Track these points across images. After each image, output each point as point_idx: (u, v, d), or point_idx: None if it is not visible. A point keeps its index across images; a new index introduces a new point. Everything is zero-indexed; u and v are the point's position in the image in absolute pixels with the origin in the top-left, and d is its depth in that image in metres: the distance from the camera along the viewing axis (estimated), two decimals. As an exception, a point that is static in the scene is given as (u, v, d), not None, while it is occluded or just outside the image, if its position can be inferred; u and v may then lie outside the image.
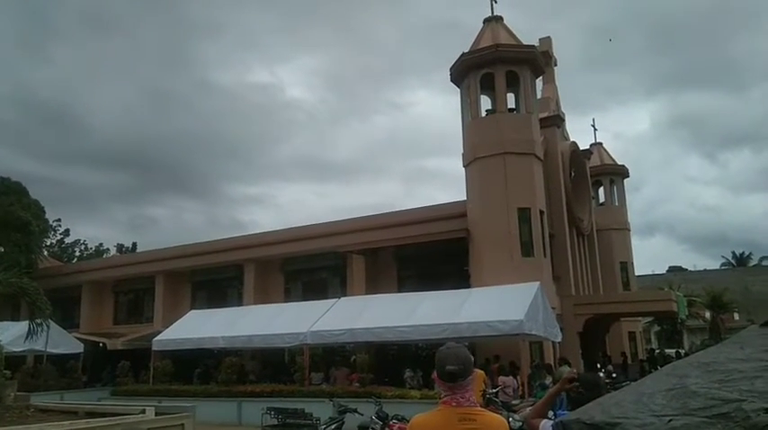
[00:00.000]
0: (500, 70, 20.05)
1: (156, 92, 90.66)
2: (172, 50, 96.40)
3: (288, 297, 24.27)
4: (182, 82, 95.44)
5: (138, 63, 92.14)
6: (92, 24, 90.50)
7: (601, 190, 30.85)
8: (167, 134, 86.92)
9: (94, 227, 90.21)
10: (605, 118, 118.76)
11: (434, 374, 2.80)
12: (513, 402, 12.89)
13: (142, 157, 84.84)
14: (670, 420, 1.64)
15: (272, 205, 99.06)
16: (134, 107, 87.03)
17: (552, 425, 2.33)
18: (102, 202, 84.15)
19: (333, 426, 9.85)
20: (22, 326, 15.72)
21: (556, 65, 27.03)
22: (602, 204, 30.53)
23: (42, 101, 78.30)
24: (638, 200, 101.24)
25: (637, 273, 31.56)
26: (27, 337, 13.48)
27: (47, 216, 38.02)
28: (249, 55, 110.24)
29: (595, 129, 31.82)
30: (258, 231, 27.38)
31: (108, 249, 51.97)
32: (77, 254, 49.78)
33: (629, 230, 30.54)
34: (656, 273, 54.04)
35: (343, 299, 19.48)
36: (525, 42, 21.19)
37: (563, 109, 26.55)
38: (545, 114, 22.97)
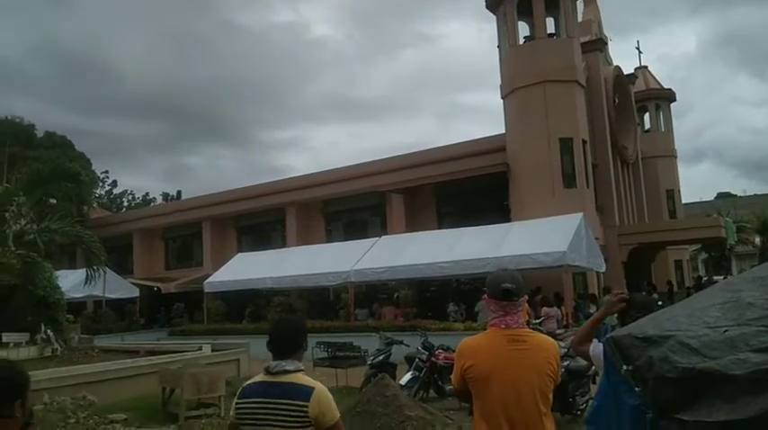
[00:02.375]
0: (538, -8, 19.14)
1: (181, 36, 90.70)
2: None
3: (329, 238, 24.65)
4: (205, 25, 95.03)
5: (161, 8, 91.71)
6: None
7: (646, 116, 29.69)
8: (195, 80, 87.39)
9: (134, 177, 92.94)
10: (648, 40, 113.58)
11: (484, 297, 2.79)
12: (558, 332, 12.99)
13: (173, 105, 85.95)
14: (725, 330, 1.61)
15: (306, 148, 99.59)
16: (161, 54, 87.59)
17: (603, 342, 2.33)
18: (138, 152, 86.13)
19: (380, 358, 10.15)
20: (80, 273, 16.45)
21: (598, -16, 25.63)
22: (647, 131, 29.47)
23: (72, 52, 79.46)
24: (685, 125, 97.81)
25: (684, 201, 30.76)
26: (86, 283, 14.11)
27: (93, 168, 39.29)
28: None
29: (640, 52, 30.26)
30: (296, 175, 27.67)
31: (154, 198, 53.54)
32: (125, 203, 51.45)
33: (676, 157, 29.55)
34: (705, 200, 52.59)
35: (383, 237, 19.67)
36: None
37: (605, 32, 25.32)
38: (586, 38, 21.94)
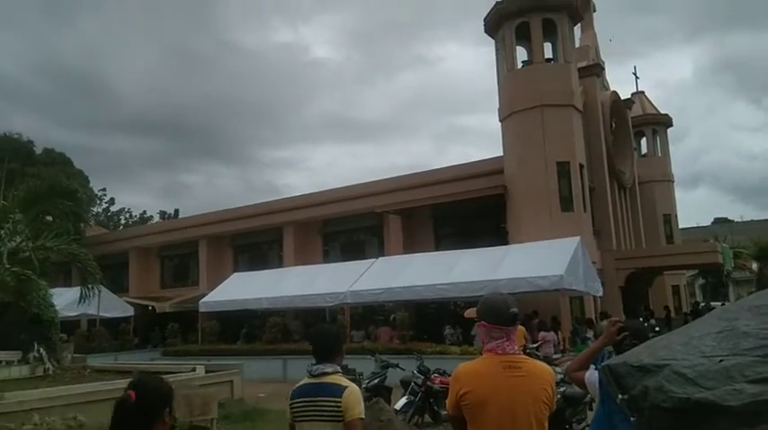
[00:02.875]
0: (536, 18, 19.40)
1: (180, 56, 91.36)
2: (193, 13, 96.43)
3: (326, 258, 24.59)
4: (205, 45, 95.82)
5: (160, 28, 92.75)
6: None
7: (643, 140, 29.92)
8: (195, 99, 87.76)
9: (132, 194, 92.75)
10: (645, 65, 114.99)
11: (481, 322, 2.75)
12: (554, 356, 12.92)
13: (172, 123, 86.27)
14: (721, 360, 1.60)
15: (304, 168, 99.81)
16: (161, 73, 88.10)
17: (599, 370, 2.31)
18: (137, 170, 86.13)
19: (375, 381, 10.05)
20: (75, 291, 16.36)
21: (595, 11, 25.97)
22: (644, 155, 29.65)
23: (72, 69, 79.75)
24: (682, 150, 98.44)
25: (681, 226, 30.81)
26: (80, 302, 14.04)
27: (91, 185, 39.30)
28: (272, 14, 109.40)
29: (637, 78, 30.61)
30: (294, 194, 27.73)
31: (151, 216, 53.45)
32: (123, 221, 51.33)
33: (673, 182, 29.69)
34: (701, 225, 52.72)
35: (381, 259, 19.63)
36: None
37: (602, 57, 25.61)
38: (584, 63, 22.18)
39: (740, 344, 1.65)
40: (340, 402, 2.98)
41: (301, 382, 3.21)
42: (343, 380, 3.11)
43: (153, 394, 2.23)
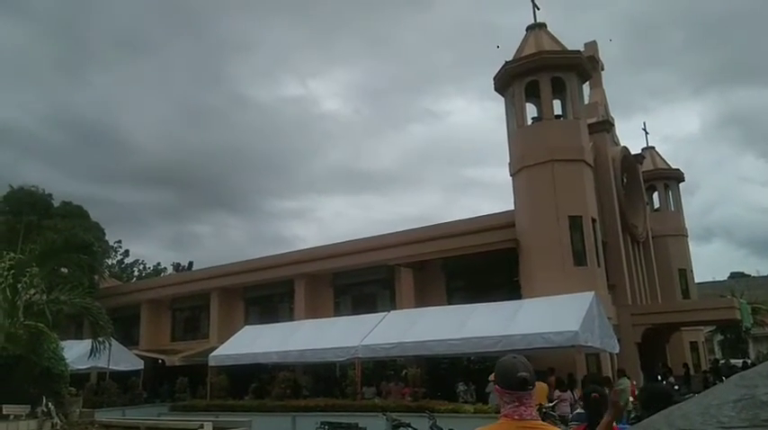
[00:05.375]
0: (545, 77, 19.80)
1: (192, 110, 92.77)
2: (205, 69, 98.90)
3: (338, 311, 24.42)
4: (217, 99, 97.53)
5: (173, 83, 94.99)
6: (125, 47, 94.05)
7: (655, 195, 29.91)
8: (205, 151, 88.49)
9: (143, 245, 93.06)
10: (652, 120, 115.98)
11: (495, 386, 2.73)
12: (570, 416, 12.55)
13: (183, 175, 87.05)
14: (740, 432, 1.58)
15: (313, 219, 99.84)
16: (172, 126, 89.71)
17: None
18: (147, 221, 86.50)
19: (387, 441, 9.81)
20: (86, 344, 16.31)
21: (603, 69, 26.50)
22: (657, 210, 29.58)
23: (84, 123, 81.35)
24: (693, 204, 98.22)
25: (696, 281, 30.36)
26: (90, 355, 13.96)
27: (106, 238, 39.69)
28: (282, 70, 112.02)
29: (647, 133, 30.95)
30: (303, 247, 27.93)
31: (165, 268, 53.64)
32: (136, 273, 51.54)
33: (687, 236, 29.46)
34: (717, 279, 51.90)
35: (392, 312, 19.43)
36: (570, 48, 20.91)
37: (611, 113, 25.96)
38: (593, 120, 22.48)
39: (759, 415, 1.63)
40: None
41: None
42: None
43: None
